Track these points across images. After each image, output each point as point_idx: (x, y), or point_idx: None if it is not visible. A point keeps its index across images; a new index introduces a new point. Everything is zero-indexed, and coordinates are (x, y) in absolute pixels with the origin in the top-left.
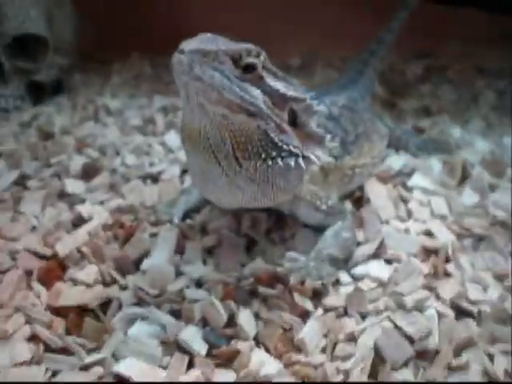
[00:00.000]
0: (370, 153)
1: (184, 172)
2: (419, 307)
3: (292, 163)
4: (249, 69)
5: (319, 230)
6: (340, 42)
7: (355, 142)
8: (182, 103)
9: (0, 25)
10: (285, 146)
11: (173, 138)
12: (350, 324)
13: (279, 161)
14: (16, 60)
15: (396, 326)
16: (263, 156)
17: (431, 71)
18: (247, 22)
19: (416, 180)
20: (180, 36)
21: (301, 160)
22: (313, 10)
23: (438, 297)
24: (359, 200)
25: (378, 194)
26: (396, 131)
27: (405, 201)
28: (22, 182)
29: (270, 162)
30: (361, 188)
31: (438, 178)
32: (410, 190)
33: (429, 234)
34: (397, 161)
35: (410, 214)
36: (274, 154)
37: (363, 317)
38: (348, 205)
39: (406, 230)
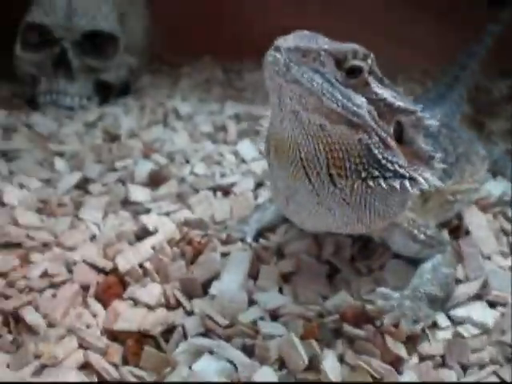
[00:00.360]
0: (472, 177)
1: (258, 186)
2: None
3: (397, 185)
4: (354, 73)
5: (413, 262)
6: (419, 55)
7: (456, 165)
8: (271, 109)
9: (69, 20)
10: (389, 165)
11: (246, 148)
12: (450, 377)
13: (382, 182)
14: (85, 57)
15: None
16: (363, 175)
17: None
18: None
19: None
20: (253, 42)
21: (407, 182)
22: (395, 22)
23: None
24: (456, 230)
25: (479, 224)
26: (492, 154)
27: (507, 233)
28: (83, 185)
29: (370, 183)
30: (458, 216)
31: None
32: (511, 220)
33: None
34: (496, 187)
35: None
36: (376, 173)
37: (464, 369)
38: (445, 235)
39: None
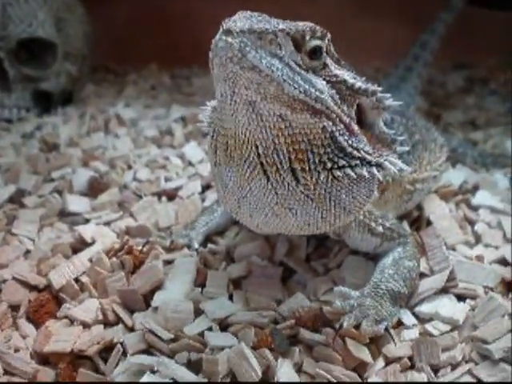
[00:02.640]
0: (431, 165)
1: (206, 188)
2: (509, 358)
3: (365, 173)
4: (315, 54)
5: (373, 257)
6: (373, 53)
7: (413, 153)
8: (218, 102)
9: (4, 28)
10: (355, 153)
11: (192, 150)
12: (420, 380)
13: (349, 171)
14: (21, 66)
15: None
16: (329, 166)
17: (473, 82)
18: None
19: (481, 198)
20: (201, 48)
21: (374, 169)
22: (344, 21)
23: None
24: (417, 221)
25: (441, 214)
26: (452, 142)
27: (471, 222)
28: (18, 198)
29: (337, 173)
30: (418, 206)
31: (505, 196)
32: (475, 209)
33: (504, 262)
34: (456, 176)
35: (478, 237)
36: (342, 162)
37: (435, 370)
38: (406, 226)
39: (479, 258)
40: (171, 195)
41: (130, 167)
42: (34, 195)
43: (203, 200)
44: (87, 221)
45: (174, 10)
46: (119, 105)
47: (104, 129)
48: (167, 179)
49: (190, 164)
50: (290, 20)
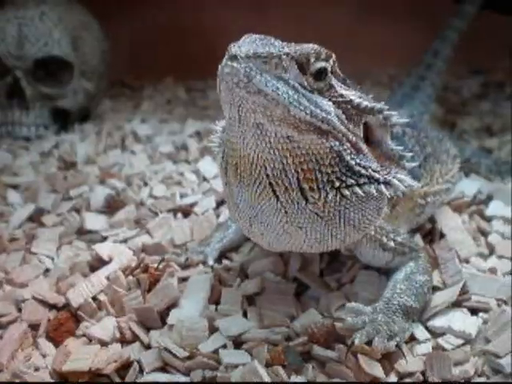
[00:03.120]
0: (443, 177)
1: (221, 204)
2: None
3: (373, 191)
4: (320, 76)
5: (385, 272)
6: (386, 60)
7: (424, 165)
8: (227, 124)
9: (20, 48)
10: (363, 171)
11: (207, 166)
12: None
13: (357, 189)
14: (39, 85)
15: None
16: (337, 185)
17: (488, 88)
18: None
19: (495, 208)
20: (217, 60)
21: (383, 187)
22: (355, 27)
23: None
24: (430, 234)
25: (454, 226)
26: (465, 151)
27: (484, 233)
28: (37, 217)
29: (345, 192)
30: (431, 219)
31: None
32: (488, 219)
33: None
34: (470, 186)
35: (492, 249)
36: (350, 181)
37: None
38: (418, 240)
39: (492, 270)
40: (186, 212)
41: (146, 184)
42: (52, 214)
43: (218, 216)
44: (105, 238)
45: (188, 23)
46: (135, 120)
47: (121, 146)
48: (182, 195)
49: (205, 179)
50: (297, 41)
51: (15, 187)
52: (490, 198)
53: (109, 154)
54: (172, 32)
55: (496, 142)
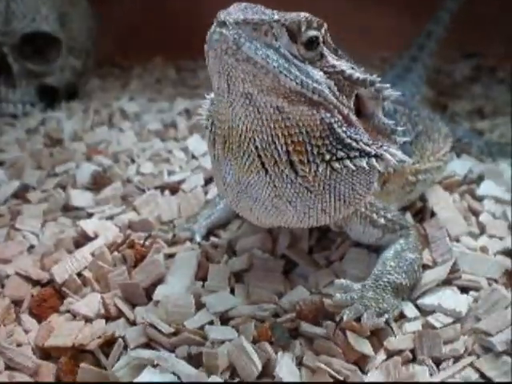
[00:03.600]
0: (435, 155)
1: (209, 181)
2: (511, 351)
3: (364, 165)
4: (311, 44)
5: (375, 249)
6: (378, 43)
7: (416, 143)
8: (215, 95)
9: (7, 23)
10: (354, 144)
11: (196, 143)
12: (422, 373)
13: (348, 163)
14: (26, 61)
15: (483, 376)
16: (327, 158)
17: (480, 71)
18: None
19: (486, 188)
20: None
21: (374, 160)
22: (347, 11)
23: None
24: (421, 212)
25: (445, 204)
26: (456, 132)
27: (475, 213)
28: (22, 193)
29: (336, 165)
30: (422, 197)
31: (511, 185)
32: (480, 199)
33: (508, 253)
34: (461, 166)
35: (483, 228)
36: (341, 154)
37: (437, 363)
38: (408, 218)
39: (483, 249)
40: (174, 189)
41: (133, 161)
42: (37, 190)
43: (206, 193)
44: (90, 215)
45: (178, 3)
46: (123, 99)
47: (108, 123)
48: (170, 173)
49: (194, 157)
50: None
51: (0, 164)
52: (481, 178)
53: (96, 131)
54: (162, 12)
55: (487, 124)
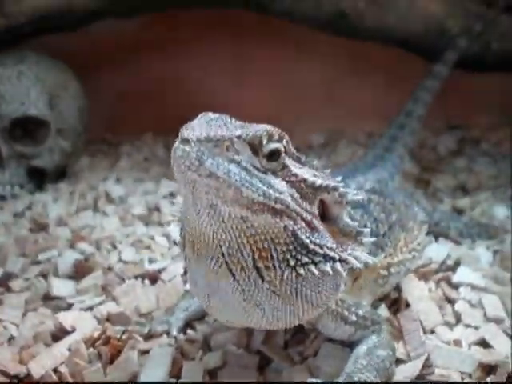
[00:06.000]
0: (408, 246)
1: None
2: None
3: (329, 269)
4: (273, 156)
5: (349, 344)
6: (366, 118)
7: (389, 234)
8: (184, 203)
9: None
10: (318, 249)
11: (178, 229)
12: None
13: (312, 268)
14: (15, 144)
15: None
16: (292, 263)
17: (464, 144)
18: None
19: (462, 275)
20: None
21: (338, 264)
22: (338, 87)
23: None
24: (396, 303)
25: (420, 295)
26: (434, 215)
27: (451, 301)
28: (5, 281)
29: (300, 271)
30: (397, 287)
31: (488, 271)
32: (456, 287)
33: (484, 344)
34: (438, 251)
35: (458, 317)
36: (305, 259)
37: None
38: (383, 310)
39: (456, 342)
40: (154, 278)
41: (115, 247)
42: (20, 278)
43: (185, 282)
44: (70, 305)
45: (169, 81)
46: (110, 180)
47: (93, 207)
48: (151, 260)
49: (175, 243)
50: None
51: None
52: (457, 264)
53: (80, 216)
54: (152, 89)
55: (469, 201)
